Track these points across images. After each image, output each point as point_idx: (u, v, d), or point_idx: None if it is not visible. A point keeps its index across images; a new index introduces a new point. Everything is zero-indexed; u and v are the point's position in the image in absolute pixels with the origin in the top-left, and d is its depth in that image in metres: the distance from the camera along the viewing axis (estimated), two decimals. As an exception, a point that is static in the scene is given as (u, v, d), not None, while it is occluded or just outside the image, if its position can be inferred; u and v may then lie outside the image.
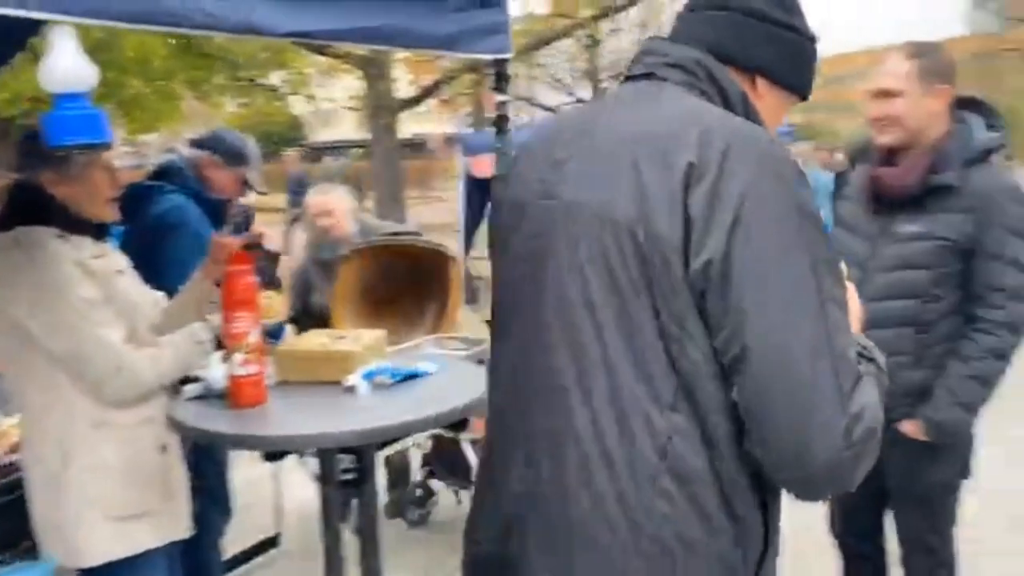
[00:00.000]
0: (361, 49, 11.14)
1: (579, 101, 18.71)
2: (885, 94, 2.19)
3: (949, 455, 2.25)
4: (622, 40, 20.72)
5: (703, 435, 1.08)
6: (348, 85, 15.48)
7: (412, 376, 2.32)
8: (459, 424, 2.65)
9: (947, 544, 2.37)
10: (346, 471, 2.29)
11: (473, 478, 3.59)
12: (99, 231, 2.19)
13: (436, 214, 19.87)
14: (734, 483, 1.09)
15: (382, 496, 3.62)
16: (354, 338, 2.49)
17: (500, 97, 2.47)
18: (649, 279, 1.07)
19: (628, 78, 1.30)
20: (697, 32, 1.23)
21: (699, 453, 1.08)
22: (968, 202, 2.09)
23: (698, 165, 1.06)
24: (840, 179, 2.55)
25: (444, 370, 2.42)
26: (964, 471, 2.32)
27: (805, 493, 1.10)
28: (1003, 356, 2.10)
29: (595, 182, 1.15)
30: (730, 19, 1.20)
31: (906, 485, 2.30)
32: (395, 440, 2.49)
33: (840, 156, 10.25)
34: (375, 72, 11.26)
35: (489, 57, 2.33)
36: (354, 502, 2.56)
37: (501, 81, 2.44)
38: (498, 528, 1.22)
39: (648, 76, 1.25)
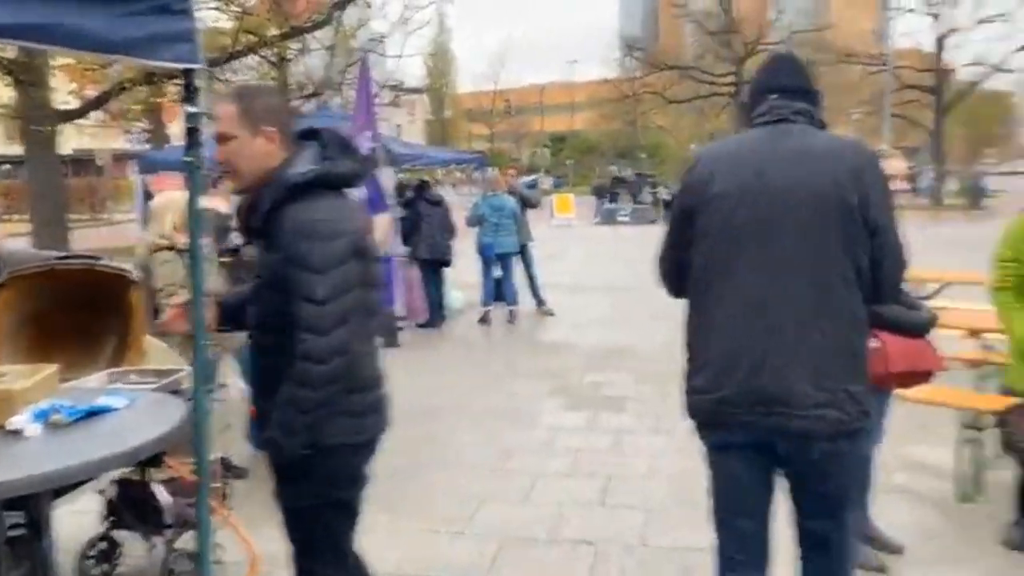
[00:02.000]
0: (11, 51, 9.76)
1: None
2: (223, 138, 2.20)
3: (300, 476, 2.23)
4: (311, 60, 20.50)
5: (864, 298, 2.15)
6: (-5, 92, 13.44)
7: (95, 413, 2.09)
8: (151, 461, 2.42)
9: (321, 565, 2.34)
10: (14, 527, 1.99)
11: (167, 521, 3.30)
12: None
13: (106, 238, 17.91)
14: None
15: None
16: (16, 375, 2.18)
17: (191, 109, 2.32)
18: (842, 224, 2.10)
19: (765, 123, 2.27)
20: (797, 101, 2.28)
21: (863, 308, 2.16)
22: (278, 241, 2.13)
23: (862, 164, 2.15)
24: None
25: (134, 404, 2.21)
26: (324, 494, 2.26)
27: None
28: (307, 384, 2.09)
29: (798, 177, 2.14)
30: (807, 97, 2.30)
31: (280, 502, 2.31)
32: (76, 486, 2.21)
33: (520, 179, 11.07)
34: (29, 79, 9.91)
35: (178, 66, 2.19)
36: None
37: (191, 92, 2.29)
38: (745, 371, 2.12)
39: (780, 121, 2.25)
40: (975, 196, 31.05)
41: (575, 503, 4.17)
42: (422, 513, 4.06)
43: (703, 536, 2.48)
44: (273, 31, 14.67)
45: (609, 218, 26.41)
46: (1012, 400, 3.57)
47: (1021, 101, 56.50)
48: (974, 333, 4.65)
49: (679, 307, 2.38)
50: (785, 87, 2.29)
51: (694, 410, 2.27)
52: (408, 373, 6.56)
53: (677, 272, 2.33)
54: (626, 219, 25.65)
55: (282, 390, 2.10)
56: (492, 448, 5.03)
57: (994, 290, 3.55)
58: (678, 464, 4.51)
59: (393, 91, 24.32)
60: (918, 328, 3.15)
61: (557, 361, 7.51)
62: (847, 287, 2.12)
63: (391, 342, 7.86)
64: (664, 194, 26.08)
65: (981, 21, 34.25)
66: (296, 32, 15.08)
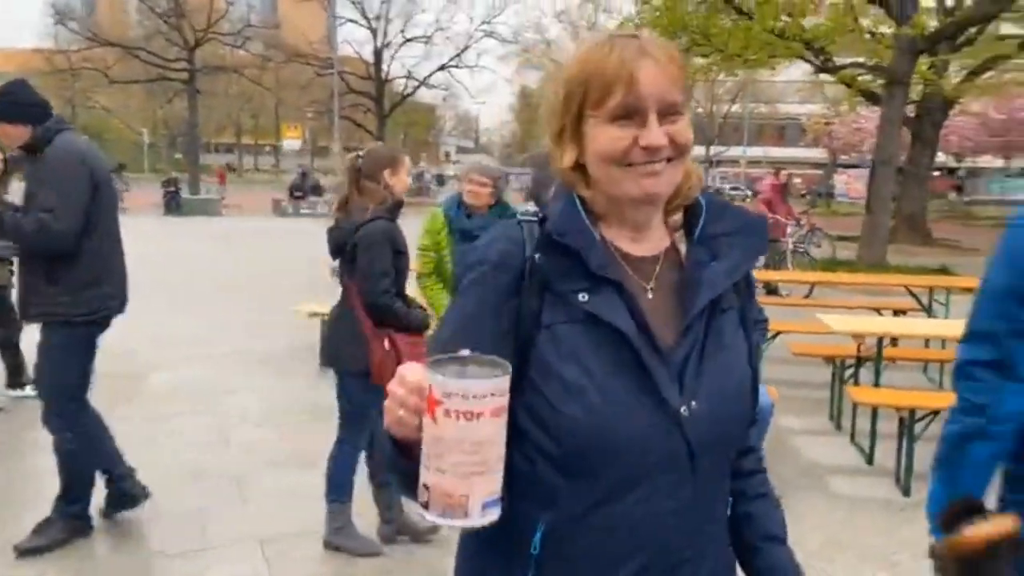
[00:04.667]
0: None
1: None
2: None
3: None
4: None
5: None
6: None
7: None
8: None
9: None
10: None
11: None
12: None
13: None
14: None
15: None
16: None
17: None
18: None
19: (70, 129, 3.39)
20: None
21: None
22: None
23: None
24: None
25: None
26: None
27: None
28: None
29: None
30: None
31: None
32: None
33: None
34: None
35: None
36: None
37: None
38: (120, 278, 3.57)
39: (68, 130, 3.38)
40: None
41: None
42: None
43: None
44: None
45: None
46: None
47: (444, 114, 66.32)
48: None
49: None
50: (46, 104, 3.35)
51: (100, 311, 3.33)
52: None
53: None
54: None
55: None
56: None
57: (419, 276, 4.12)
58: None
59: None
60: (418, 326, 3.30)
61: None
62: None
63: None
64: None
65: (408, 40, 39.03)
66: None
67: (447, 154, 79.28)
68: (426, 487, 0.84)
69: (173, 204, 25.14)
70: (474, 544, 1.17)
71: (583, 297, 1.05)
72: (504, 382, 0.83)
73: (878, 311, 6.86)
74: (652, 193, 1.06)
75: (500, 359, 0.86)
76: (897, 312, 6.85)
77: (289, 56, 36.79)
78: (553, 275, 1.06)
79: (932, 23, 14.28)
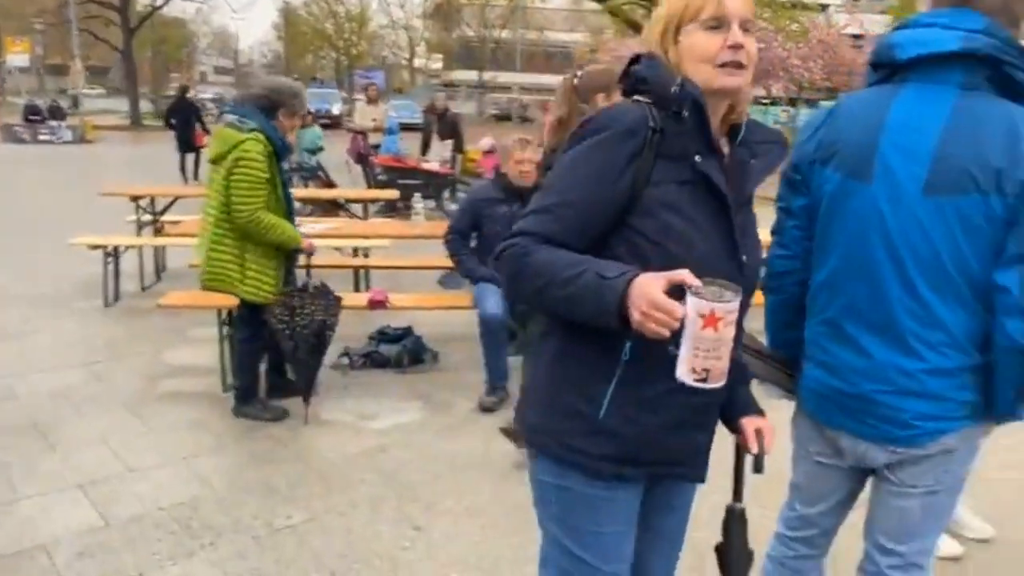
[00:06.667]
0: None
1: None
2: None
3: None
4: None
5: None
6: None
7: None
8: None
9: None
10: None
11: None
12: None
13: None
14: None
15: None
16: None
17: None
18: None
19: None
20: None
21: None
22: None
23: None
24: None
25: None
26: None
27: None
28: None
29: None
30: None
31: None
32: None
33: None
34: None
35: None
36: None
37: None
38: None
39: None
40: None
41: None
42: None
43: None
44: None
45: None
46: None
47: (199, 30, 60.90)
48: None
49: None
50: None
51: None
52: None
53: None
54: None
55: None
56: None
57: (254, 212, 3.75)
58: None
59: None
60: None
61: None
62: None
63: None
64: None
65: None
66: None
67: (203, 74, 73.12)
68: (706, 369, 1.25)
69: None
70: (569, 352, 1.47)
71: (698, 158, 1.39)
72: (739, 297, 1.25)
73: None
74: (735, 87, 1.39)
75: (726, 281, 1.25)
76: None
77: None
78: (680, 134, 1.38)
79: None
